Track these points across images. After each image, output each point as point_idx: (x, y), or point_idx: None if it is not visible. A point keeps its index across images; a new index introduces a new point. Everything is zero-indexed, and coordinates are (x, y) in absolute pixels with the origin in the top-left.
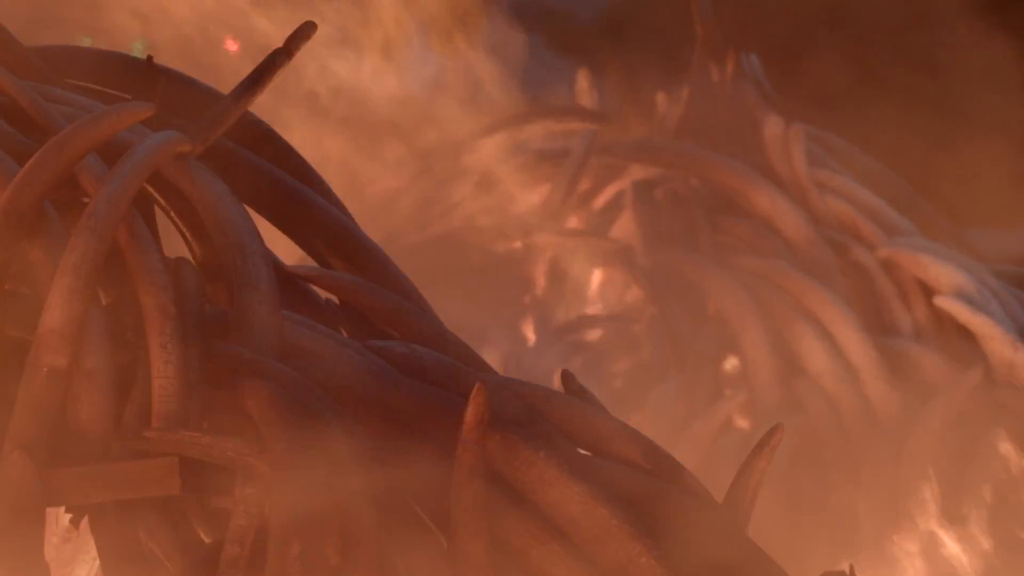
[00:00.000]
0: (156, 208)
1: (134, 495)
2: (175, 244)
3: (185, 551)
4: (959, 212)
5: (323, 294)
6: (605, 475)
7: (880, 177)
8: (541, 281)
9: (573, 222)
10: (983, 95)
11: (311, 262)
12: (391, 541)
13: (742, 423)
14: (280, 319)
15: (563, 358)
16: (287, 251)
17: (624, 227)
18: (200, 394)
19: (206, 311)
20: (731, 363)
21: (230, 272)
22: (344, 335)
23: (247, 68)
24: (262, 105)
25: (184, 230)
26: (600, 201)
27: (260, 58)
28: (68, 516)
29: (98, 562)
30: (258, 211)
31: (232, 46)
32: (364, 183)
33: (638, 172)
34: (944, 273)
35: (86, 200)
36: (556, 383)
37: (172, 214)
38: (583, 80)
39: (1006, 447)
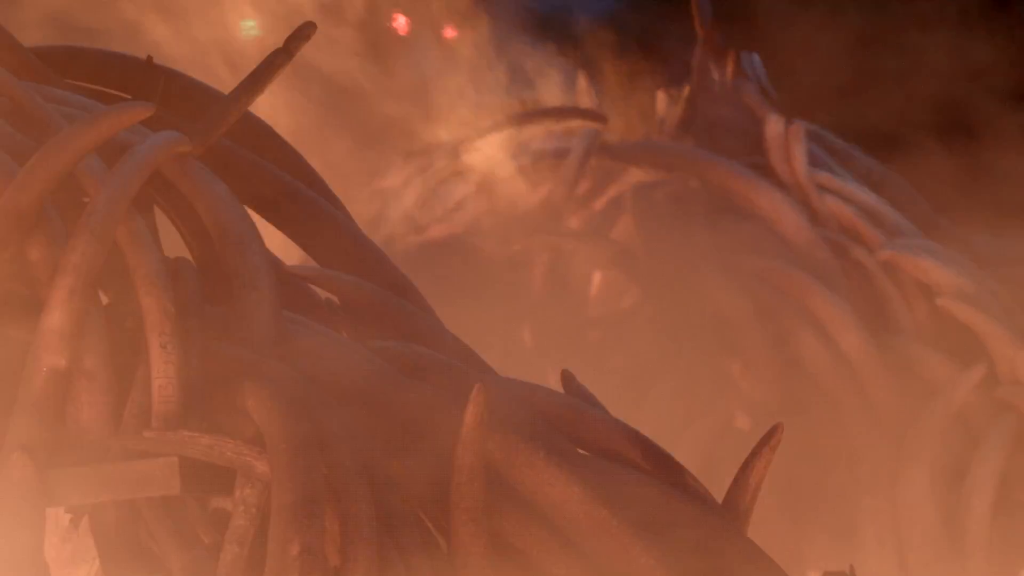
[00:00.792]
0: (156, 208)
1: (134, 495)
2: (175, 244)
3: (185, 551)
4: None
5: (323, 294)
6: (605, 475)
7: (880, 177)
8: (541, 282)
9: (573, 223)
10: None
11: (311, 262)
12: (391, 541)
13: (742, 423)
14: (280, 319)
15: (563, 358)
16: (287, 251)
17: (624, 228)
18: (200, 394)
19: (206, 311)
20: (731, 363)
21: (230, 272)
22: (344, 335)
23: None
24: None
25: (184, 230)
26: (600, 202)
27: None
28: (68, 516)
29: (98, 562)
30: (258, 211)
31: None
32: (364, 183)
33: (638, 173)
34: (944, 274)
35: (86, 200)
36: (556, 383)
37: (172, 214)
38: (583, 80)
39: (1007, 446)
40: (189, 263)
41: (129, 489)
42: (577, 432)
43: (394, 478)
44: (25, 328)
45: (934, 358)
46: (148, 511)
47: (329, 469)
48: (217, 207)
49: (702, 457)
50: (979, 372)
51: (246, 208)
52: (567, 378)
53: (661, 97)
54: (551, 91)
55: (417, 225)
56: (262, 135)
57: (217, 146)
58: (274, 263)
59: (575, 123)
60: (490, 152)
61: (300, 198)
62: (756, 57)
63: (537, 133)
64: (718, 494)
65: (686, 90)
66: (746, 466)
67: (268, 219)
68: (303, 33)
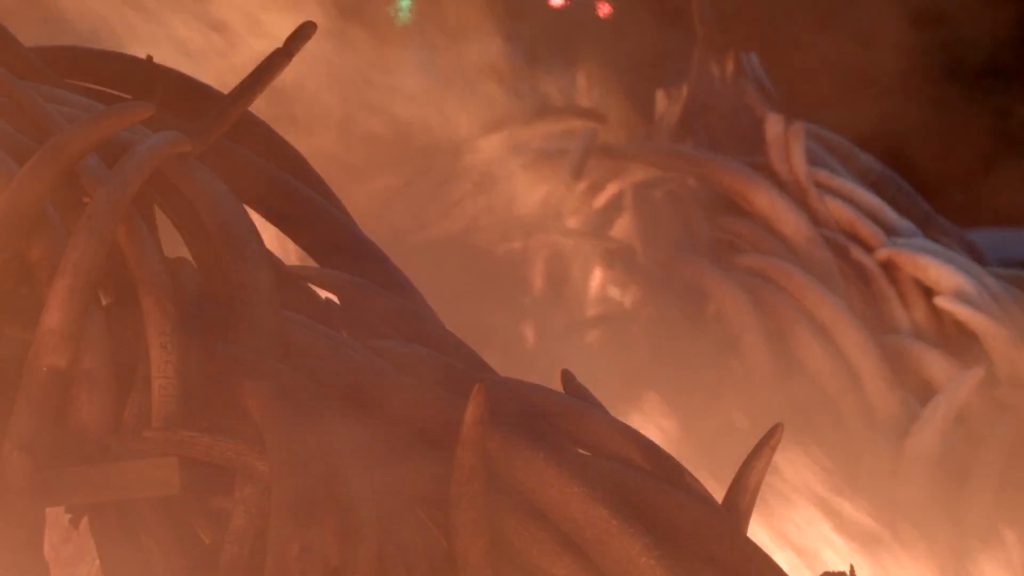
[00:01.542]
0: (156, 208)
1: (134, 495)
2: (175, 244)
3: (185, 551)
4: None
5: (323, 294)
6: (605, 475)
7: (880, 177)
8: (540, 281)
9: (573, 222)
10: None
11: (311, 262)
12: (391, 541)
13: (742, 423)
14: (280, 319)
15: (563, 358)
16: (287, 251)
17: (624, 227)
18: (200, 394)
19: (206, 311)
20: (731, 363)
21: (230, 272)
22: (344, 335)
23: None
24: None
25: (184, 230)
26: (600, 201)
27: None
28: (68, 516)
29: (98, 562)
30: (258, 211)
31: None
32: (363, 183)
33: (638, 173)
34: (944, 274)
35: (86, 200)
36: (556, 383)
37: (172, 214)
38: (583, 80)
39: (1007, 447)
40: (189, 263)
41: (129, 489)
42: (577, 432)
43: (394, 478)
44: (25, 328)
45: (934, 358)
46: (148, 511)
47: (329, 469)
48: (217, 207)
49: (702, 457)
50: (979, 372)
51: (246, 208)
52: (567, 378)
53: (661, 97)
54: (551, 91)
55: (417, 225)
56: (262, 135)
57: (217, 146)
58: (274, 263)
59: (575, 123)
60: (490, 152)
61: (300, 198)
62: (756, 57)
63: (537, 133)
64: (718, 494)
65: (686, 90)
66: (746, 466)
67: (268, 219)
68: (303, 33)
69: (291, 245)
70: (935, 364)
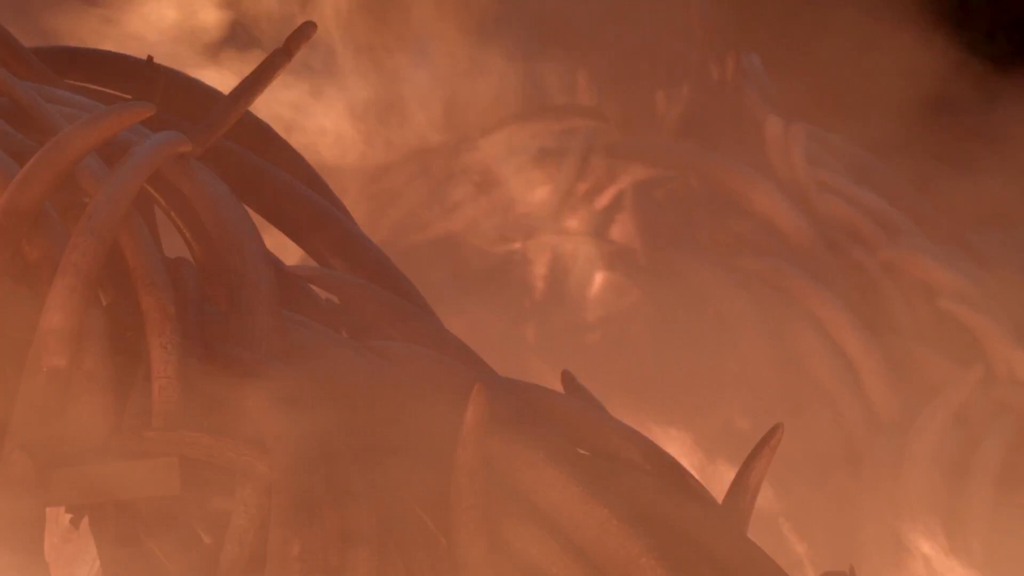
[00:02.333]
0: (156, 208)
1: (134, 495)
2: (175, 244)
3: (185, 551)
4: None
5: (323, 294)
6: (605, 475)
7: (880, 177)
8: (541, 282)
9: (573, 222)
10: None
11: (311, 262)
12: (391, 541)
13: (742, 423)
14: (280, 319)
15: (563, 358)
16: (287, 251)
17: (624, 227)
18: (200, 394)
19: (206, 311)
20: (731, 363)
21: (230, 272)
22: (344, 335)
23: None
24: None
25: (184, 230)
26: (600, 201)
27: None
28: (68, 516)
29: (98, 562)
30: (258, 211)
31: None
32: (362, 183)
33: (638, 172)
34: (944, 274)
35: (86, 200)
36: (556, 383)
37: (172, 214)
38: (583, 80)
39: (1006, 446)
40: (189, 263)
41: (129, 489)
42: (577, 432)
43: (394, 478)
44: (25, 328)
45: (934, 358)
46: (148, 511)
47: (329, 469)
48: (217, 207)
49: (702, 457)
50: (978, 372)
51: (246, 208)
52: (567, 378)
53: (661, 97)
54: (551, 91)
55: (417, 225)
56: (262, 135)
57: (217, 146)
58: (274, 263)
59: (575, 123)
60: (490, 152)
61: (300, 198)
62: (756, 57)
63: (537, 133)
64: (718, 494)
65: (686, 90)
66: (746, 466)
67: (268, 219)
68: (303, 33)
69: (291, 245)
70: (935, 364)
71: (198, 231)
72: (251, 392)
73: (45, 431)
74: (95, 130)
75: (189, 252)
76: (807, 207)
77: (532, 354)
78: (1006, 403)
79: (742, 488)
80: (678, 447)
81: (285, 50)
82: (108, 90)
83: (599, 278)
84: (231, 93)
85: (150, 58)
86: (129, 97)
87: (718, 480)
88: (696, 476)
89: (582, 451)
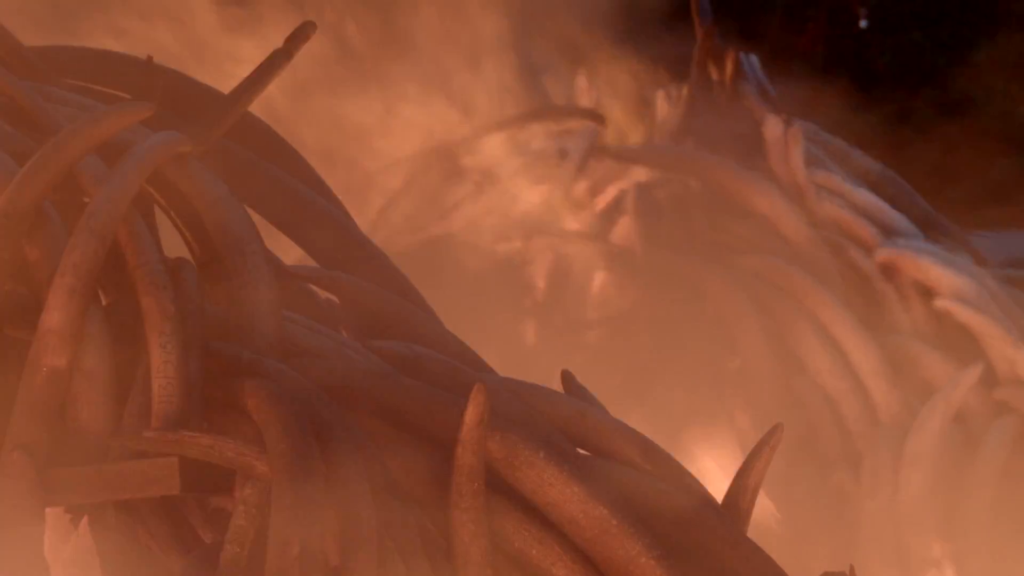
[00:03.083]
0: (156, 208)
1: (134, 495)
2: (175, 244)
3: (185, 551)
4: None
5: (323, 294)
6: (605, 475)
7: (880, 177)
8: (541, 282)
9: (573, 223)
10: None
11: (311, 262)
12: (391, 541)
13: (742, 423)
14: (280, 319)
15: (563, 358)
16: (287, 251)
17: (624, 228)
18: (200, 394)
19: (206, 311)
20: (731, 363)
21: (230, 272)
22: (344, 335)
23: None
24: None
25: (184, 230)
26: (600, 202)
27: None
28: (68, 516)
29: (98, 562)
30: (258, 211)
31: None
32: (362, 183)
33: (638, 173)
34: (943, 274)
35: (86, 200)
36: (556, 383)
37: (172, 214)
38: (583, 80)
39: (1006, 446)
40: (189, 263)
41: (129, 489)
42: (577, 432)
43: (394, 478)
44: (25, 328)
45: (933, 358)
46: (148, 511)
47: (329, 469)
48: (217, 207)
49: (702, 457)
50: (976, 370)
51: (246, 208)
52: (567, 378)
53: (661, 97)
54: (551, 91)
55: (417, 225)
56: (262, 135)
57: (217, 146)
58: (274, 263)
59: (575, 123)
60: (490, 152)
61: (300, 198)
62: (755, 57)
63: (537, 133)
64: (718, 494)
65: (686, 90)
66: (746, 466)
67: (268, 219)
68: (303, 33)
69: (291, 245)
70: (935, 364)
71: (198, 231)
72: (251, 392)
73: (45, 431)
74: (95, 130)
75: (189, 252)
76: (806, 207)
77: (532, 354)
78: (1006, 403)
79: (742, 488)
80: (678, 447)
81: (285, 50)
82: (108, 90)
83: (599, 278)
84: (231, 93)
85: (150, 58)
86: (129, 97)
87: (718, 480)
88: (696, 476)
89: (582, 451)
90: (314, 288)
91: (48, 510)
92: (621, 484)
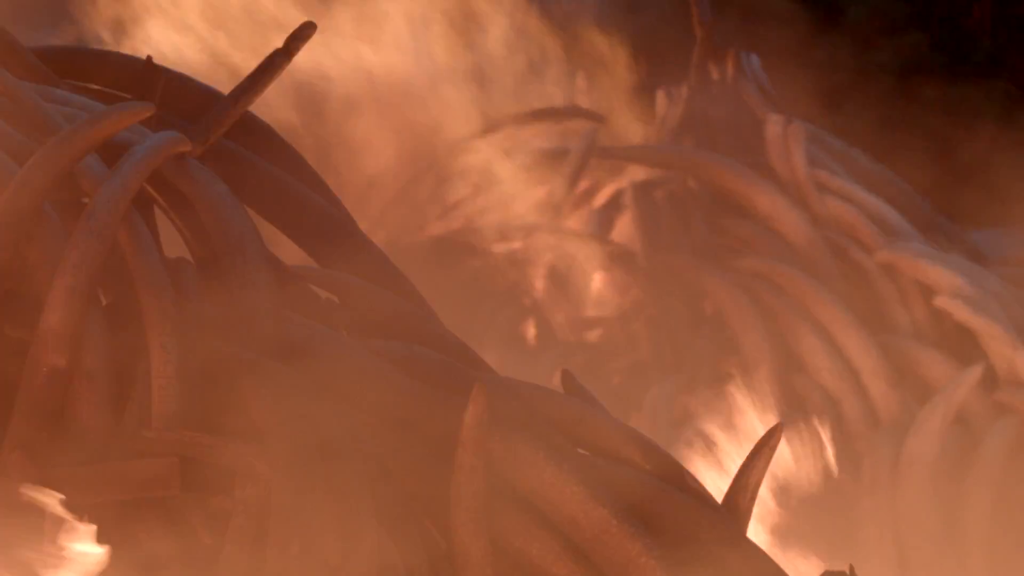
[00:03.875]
0: (156, 208)
1: (134, 495)
2: (175, 244)
3: (185, 551)
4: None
5: (323, 294)
6: (605, 475)
7: (880, 177)
8: (540, 282)
9: (573, 222)
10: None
11: (311, 262)
12: (391, 541)
13: (742, 423)
14: (280, 319)
15: (563, 358)
16: (287, 251)
17: (624, 228)
18: (200, 394)
19: (206, 311)
20: (731, 363)
21: (230, 272)
22: (344, 335)
23: None
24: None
25: (184, 230)
26: (600, 201)
27: None
28: (68, 516)
29: (98, 562)
30: (258, 211)
31: None
32: (362, 183)
33: (638, 173)
34: (943, 274)
35: (86, 200)
36: (556, 383)
37: (172, 214)
38: (583, 80)
39: (1007, 447)
40: (189, 263)
41: (129, 489)
42: (577, 432)
43: (394, 478)
44: (25, 328)
45: (934, 358)
46: (148, 511)
47: (329, 469)
48: (217, 207)
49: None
50: (976, 371)
51: (246, 208)
52: (567, 378)
53: (661, 97)
54: (551, 91)
55: (417, 225)
56: (262, 135)
57: (217, 146)
58: (274, 263)
59: (575, 123)
60: (490, 152)
61: (300, 198)
62: (755, 57)
63: (537, 133)
64: (718, 494)
65: (686, 90)
66: (746, 466)
67: (268, 219)
68: (303, 33)
69: (291, 245)
70: (935, 364)
71: (198, 231)
72: (251, 392)
73: (45, 431)
74: (95, 130)
75: (189, 252)
76: (807, 207)
77: (532, 354)
78: (1006, 403)
79: (742, 488)
80: (678, 447)
81: (285, 50)
82: (108, 90)
83: (598, 278)
84: (231, 93)
85: (149, 58)
86: (129, 97)
87: (718, 480)
88: (696, 476)
89: (582, 451)
90: (314, 288)
91: (48, 510)
92: (621, 484)
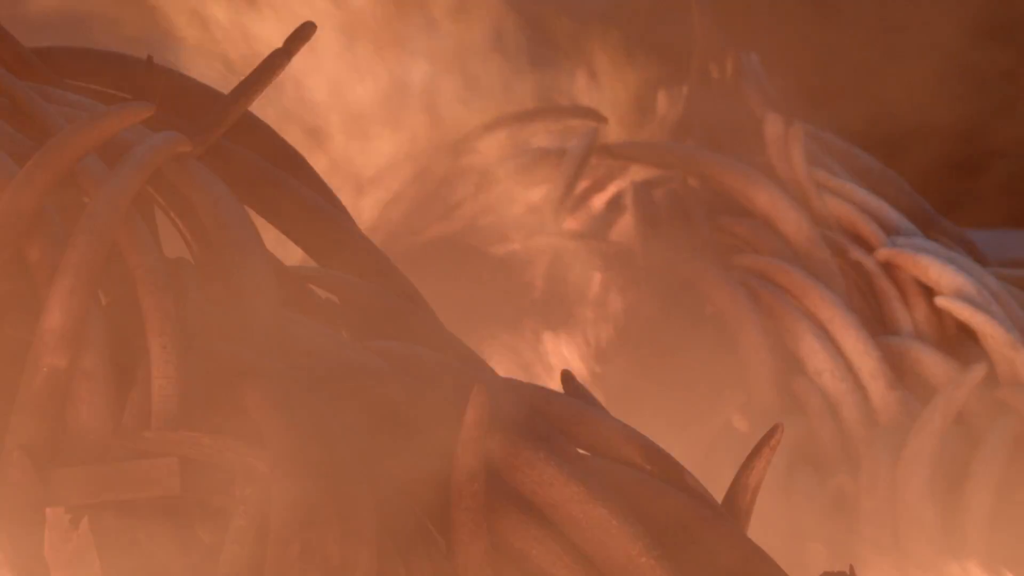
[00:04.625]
0: (156, 208)
1: (134, 495)
2: (175, 244)
3: (185, 551)
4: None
5: (323, 294)
6: (605, 475)
7: (880, 177)
8: (540, 282)
9: (573, 222)
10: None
11: (311, 262)
12: (391, 541)
13: (742, 423)
14: (280, 319)
15: (563, 358)
16: (287, 251)
17: (624, 227)
18: (200, 394)
19: (206, 311)
20: (731, 363)
21: (230, 272)
22: (344, 335)
23: None
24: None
25: (184, 230)
26: (599, 201)
27: None
28: (68, 516)
29: (98, 562)
30: (259, 212)
31: None
32: (361, 184)
33: (638, 173)
34: (944, 274)
35: (86, 200)
36: (556, 383)
37: (172, 214)
38: (583, 80)
39: (1007, 447)
40: (189, 263)
41: (129, 489)
42: (577, 432)
43: (394, 478)
44: (25, 328)
45: (934, 358)
46: (148, 511)
47: (329, 469)
48: (217, 207)
49: (702, 457)
50: (979, 372)
51: (246, 208)
52: (567, 378)
53: (661, 97)
54: (551, 91)
55: (417, 226)
56: (262, 135)
57: (217, 146)
58: (274, 263)
59: (575, 123)
60: (489, 152)
61: (300, 198)
62: (756, 57)
63: (536, 133)
64: (718, 494)
65: (686, 90)
66: (746, 466)
67: (268, 219)
68: (303, 33)
69: (291, 245)
70: (935, 364)
71: (198, 231)
72: (251, 392)
73: (45, 431)
74: (95, 130)
75: (189, 252)
76: (807, 207)
77: (532, 354)
78: (1006, 403)
79: (742, 488)
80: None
81: (285, 50)
82: (108, 90)
83: (599, 278)
84: (231, 93)
85: (150, 58)
86: (129, 97)
87: (718, 480)
88: (696, 476)
89: (582, 451)
90: (314, 288)
91: (48, 510)
92: (621, 484)
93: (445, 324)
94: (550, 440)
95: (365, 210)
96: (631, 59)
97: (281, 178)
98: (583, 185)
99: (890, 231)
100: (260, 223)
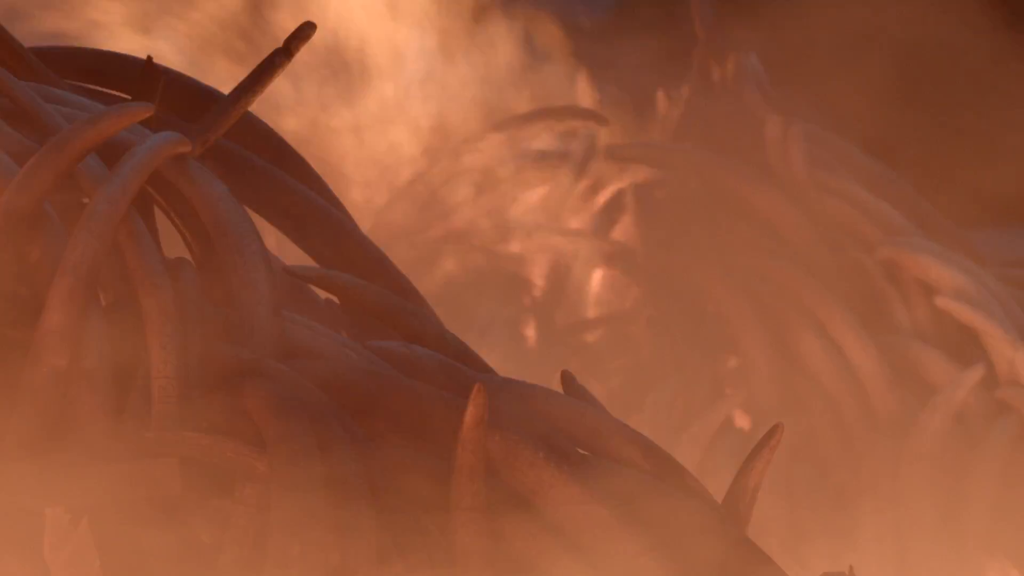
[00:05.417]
0: (156, 208)
1: (134, 495)
2: (175, 244)
3: (185, 551)
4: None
5: (323, 294)
6: (605, 475)
7: (880, 177)
8: (541, 282)
9: (573, 223)
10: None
11: (311, 262)
12: (391, 541)
13: (742, 423)
14: (280, 319)
15: (563, 359)
16: (287, 251)
17: (624, 228)
18: (200, 394)
19: (206, 311)
20: (731, 363)
21: (230, 272)
22: (344, 335)
23: None
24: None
25: (184, 230)
26: (600, 202)
27: None
28: (68, 516)
29: (98, 562)
30: (258, 211)
31: None
32: (361, 184)
33: (638, 173)
34: (944, 273)
35: (86, 200)
36: (556, 383)
37: (172, 214)
38: (583, 80)
39: (1006, 447)
40: (189, 263)
41: (129, 489)
42: (577, 432)
43: (394, 478)
44: (25, 328)
45: (934, 358)
46: (148, 511)
47: (329, 469)
48: (217, 207)
49: (702, 457)
50: (979, 372)
51: (246, 208)
52: (567, 378)
53: (661, 97)
54: (551, 91)
55: (417, 226)
56: (262, 135)
57: (217, 146)
58: (274, 263)
59: (575, 123)
60: (490, 152)
61: (300, 198)
62: (756, 57)
63: (537, 133)
64: (718, 494)
65: (686, 90)
66: (746, 467)
67: (268, 219)
68: (303, 33)
69: (291, 245)
70: (935, 364)
71: (198, 231)
72: (251, 392)
73: (45, 431)
74: (95, 130)
75: (189, 252)
76: (807, 207)
77: (532, 354)
78: (1006, 403)
79: (742, 488)
80: (678, 447)
81: (285, 50)
82: (108, 90)
83: (599, 278)
84: (231, 93)
85: (150, 58)
86: (129, 97)
87: (718, 480)
88: (696, 476)
89: (582, 451)
90: (314, 288)
91: (48, 510)
92: (621, 484)
93: (445, 324)
94: (550, 440)
95: (365, 210)
96: (632, 60)
97: (281, 178)
98: (583, 185)
99: (890, 231)
100: (260, 223)
